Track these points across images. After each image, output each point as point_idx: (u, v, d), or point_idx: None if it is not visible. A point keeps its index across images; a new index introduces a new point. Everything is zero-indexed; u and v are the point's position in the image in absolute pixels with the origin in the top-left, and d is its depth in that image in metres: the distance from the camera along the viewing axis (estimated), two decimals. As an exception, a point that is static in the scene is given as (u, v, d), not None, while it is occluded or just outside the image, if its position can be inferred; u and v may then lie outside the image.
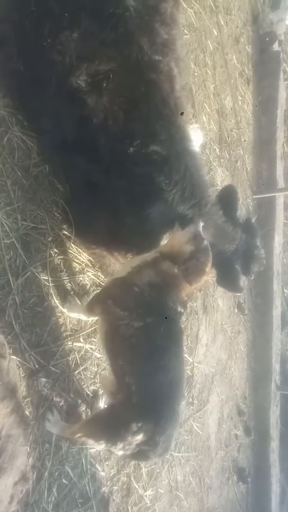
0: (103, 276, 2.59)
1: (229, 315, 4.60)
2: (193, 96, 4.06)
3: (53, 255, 2.30)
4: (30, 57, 1.93)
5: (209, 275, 2.12)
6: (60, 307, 2.29)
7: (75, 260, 2.46)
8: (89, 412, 2.36)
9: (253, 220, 2.52)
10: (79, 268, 2.49)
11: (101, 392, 2.44)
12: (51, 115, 2.03)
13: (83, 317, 2.33)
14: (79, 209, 2.30)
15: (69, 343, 2.33)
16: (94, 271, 2.57)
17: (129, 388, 1.76)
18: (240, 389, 4.80)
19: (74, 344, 2.36)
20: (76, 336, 2.38)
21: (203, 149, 4.17)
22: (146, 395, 1.75)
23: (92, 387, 2.44)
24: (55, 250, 2.32)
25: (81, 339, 2.41)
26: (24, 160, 2.19)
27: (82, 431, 1.93)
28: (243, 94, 5.49)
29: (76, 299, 2.35)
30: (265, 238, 4.93)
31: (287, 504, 5.67)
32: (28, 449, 1.97)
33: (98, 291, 2.41)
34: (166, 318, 1.82)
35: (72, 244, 2.44)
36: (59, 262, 2.35)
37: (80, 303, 2.33)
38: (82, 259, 2.50)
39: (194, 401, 3.68)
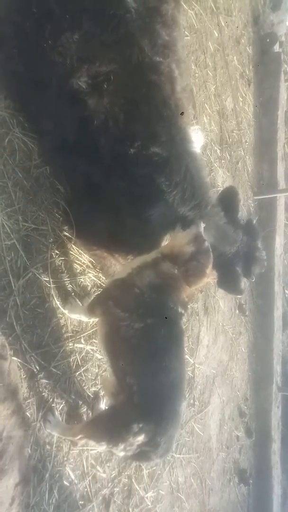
0: (104, 277, 2.59)
1: (230, 316, 4.60)
2: (194, 97, 4.07)
3: (54, 256, 2.30)
4: (31, 58, 1.93)
5: (210, 277, 2.11)
6: (61, 308, 2.29)
7: (76, 261, 2.46)
8: (90, 413, 2.36)
9: (254, 221, 2.51)
10: (80, 269, 2.49)
11: (102, 393, 2.44)
12: (52, 117, 2.03)
13: (84, 318, 2.33)
14: (80, 211, 2.30)
15: (70, 344, 2.33)
16: (95, 272, 2.57)
17: (130, 389, 1.76)
18: (241, 391, 4.79)
19: (75, 345, 2.36)
20: (77, 337, 2.38)
21: (204, 150, 4.18)
22: (147, 396, 1.75)
23: (93, 389, 2.44)
24: (56, 251, 2.32)
25: (82, 340, 2.41)
26: (25, 162, 2.20)
27: (83, 432, 1.92)
28: (244, 95, 5.49)
29: (77, 300, 2.35)
30: (266, 239, 4.93)
31: (289, 506, 5.66)
32: (29, 451, 1.97)
33: (98, 292, 2.41)
34: (166, 318, 1.81)
35: (73, 245, 2.44)
36: (60, 263, 2.35)
37: (81, 304, 2.33)
38: (83, 260, 2.50)
39: (195, 403, 3.67)
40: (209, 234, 2.09)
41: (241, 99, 5.39)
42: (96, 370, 2.49)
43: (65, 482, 2.17)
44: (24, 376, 2.03)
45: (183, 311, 1.89)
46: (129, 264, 2.09)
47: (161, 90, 1.93)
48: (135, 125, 1.92)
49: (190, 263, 1.86)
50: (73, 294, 2.38)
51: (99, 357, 2.48)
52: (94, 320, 2.39)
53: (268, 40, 6.06)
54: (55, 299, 2.26)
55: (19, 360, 2.01)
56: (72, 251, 2.44)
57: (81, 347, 2.40)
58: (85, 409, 2.36)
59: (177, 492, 3.22)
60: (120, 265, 2.35)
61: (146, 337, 1.79)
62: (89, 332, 2.46)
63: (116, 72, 1.86)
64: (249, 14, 5.83)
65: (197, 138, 3.33)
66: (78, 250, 2.47)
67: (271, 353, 5.34)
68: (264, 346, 5.35)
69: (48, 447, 2.09)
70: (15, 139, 2.16)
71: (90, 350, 2.45)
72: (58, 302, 2.27)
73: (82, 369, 2.38)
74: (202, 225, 1.93)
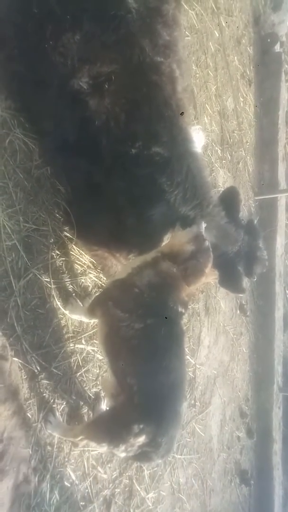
0: (105, 278, 2.59)
1: (231, 316, 4.59)
2: (195, 97, 4.07)
3: (55, 257, 2.30)
4: (32, 59, 1.93)
5: (209, 276, 2.11)
6: (62, 309, 2.29)
7: (77, 261, 2.46)
8: (91, 414, 2.36)
9: (255, 221, 2.51)
10: (81, 270, 2.49)
11: (103, 394, 2.43)
12: (53, 117, 2.03)
13: (85, 319, 2.32)
14: (81, 211, 2.30)
15: (71, 345, 2.33)
16: (96, 272, 2.57)
17: (130, 390, 1.75)
18: (242, 391, 4.78)
19: (76, 346, 2.36)
20: (78, 338, 2.38)
21: (205, 151, 4.17)
22: (147, 396, 1.74)
23: (94, 389, 2.44)
24: (57, 252, 2.32)
25: (83, 341, 2.41)
26: (26, 162, 2.20)
27: (84, 433, 1.92)
28: (244, 95, 5.49)
29: (78, 301, 2.35)
30: (267, 239, 4.92)
31: (290, 507, 5.64)
32: (30, 452, 1.97)
33: (99, 293, 2.41)
34: (166, 318, 1.81)
35: (74, 246, 2.44)
36: (61, 264, 2.34)
37: (82, 305, 2.33)
38: (84, 261, 2.50)
39: (196, 403, 3.67)
40: (211, 234, 2.09)
41: (242, 99, 5.39)
42: (97, 371, 2.48)
43: (66, 483, 2.17)
44: (25, 377, 2.03)
45: (183, 311, 1.88)
46: (129, 264, 2.09)
47: (162, 90, 1.93)
48: (136, 125, 1.92)
49: (190, 261, 1.85)
50: (74, 294, 2.38)
51: (100, 357, 2.48)
52: (94, 320, 2.39)
53: (269, 40, 6.05)
54: (56, 299, 2.26)
55: (20, 361, 2.01)
56: (73, 251, 2.44)
57: (82, 347, 2.40)
58: (86, 410, 2.36)
59: (178, 493, 3.21)
60: (121, 265, 2.35)
61: (146, 337, 1.78)
62: (90, 332, 2.46)
63: (117, 73, 1.86)
64: (250, 14, 5.83)
65: (198, 138, 3.32)
66: (79, 251, 2.47)
67: (272, 353, 5.33)
68: (265, 346, 5.34)
69: (49, 448, 2.09)
70: (16, 139, 2.16)
71: (91, 351, 2.45)
72: (59, 303, 2.27)
73: (83, 370, 2.38)
74: (204, 224, 1.93)
